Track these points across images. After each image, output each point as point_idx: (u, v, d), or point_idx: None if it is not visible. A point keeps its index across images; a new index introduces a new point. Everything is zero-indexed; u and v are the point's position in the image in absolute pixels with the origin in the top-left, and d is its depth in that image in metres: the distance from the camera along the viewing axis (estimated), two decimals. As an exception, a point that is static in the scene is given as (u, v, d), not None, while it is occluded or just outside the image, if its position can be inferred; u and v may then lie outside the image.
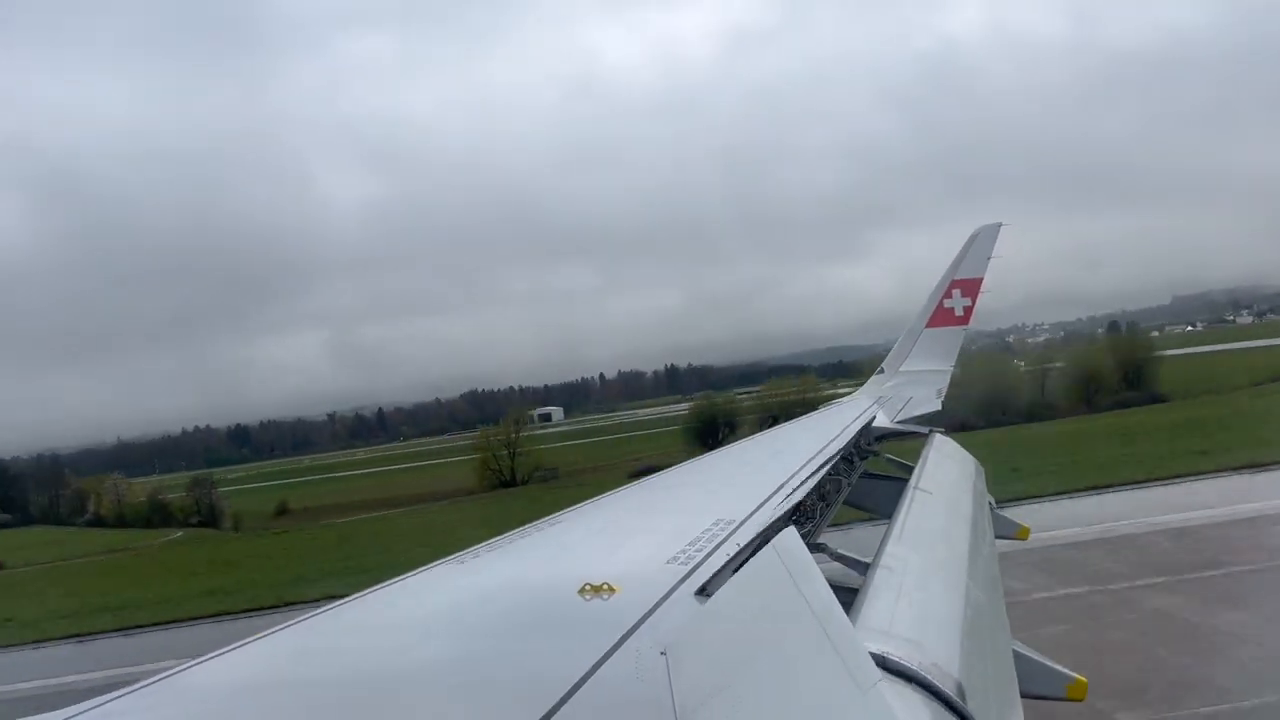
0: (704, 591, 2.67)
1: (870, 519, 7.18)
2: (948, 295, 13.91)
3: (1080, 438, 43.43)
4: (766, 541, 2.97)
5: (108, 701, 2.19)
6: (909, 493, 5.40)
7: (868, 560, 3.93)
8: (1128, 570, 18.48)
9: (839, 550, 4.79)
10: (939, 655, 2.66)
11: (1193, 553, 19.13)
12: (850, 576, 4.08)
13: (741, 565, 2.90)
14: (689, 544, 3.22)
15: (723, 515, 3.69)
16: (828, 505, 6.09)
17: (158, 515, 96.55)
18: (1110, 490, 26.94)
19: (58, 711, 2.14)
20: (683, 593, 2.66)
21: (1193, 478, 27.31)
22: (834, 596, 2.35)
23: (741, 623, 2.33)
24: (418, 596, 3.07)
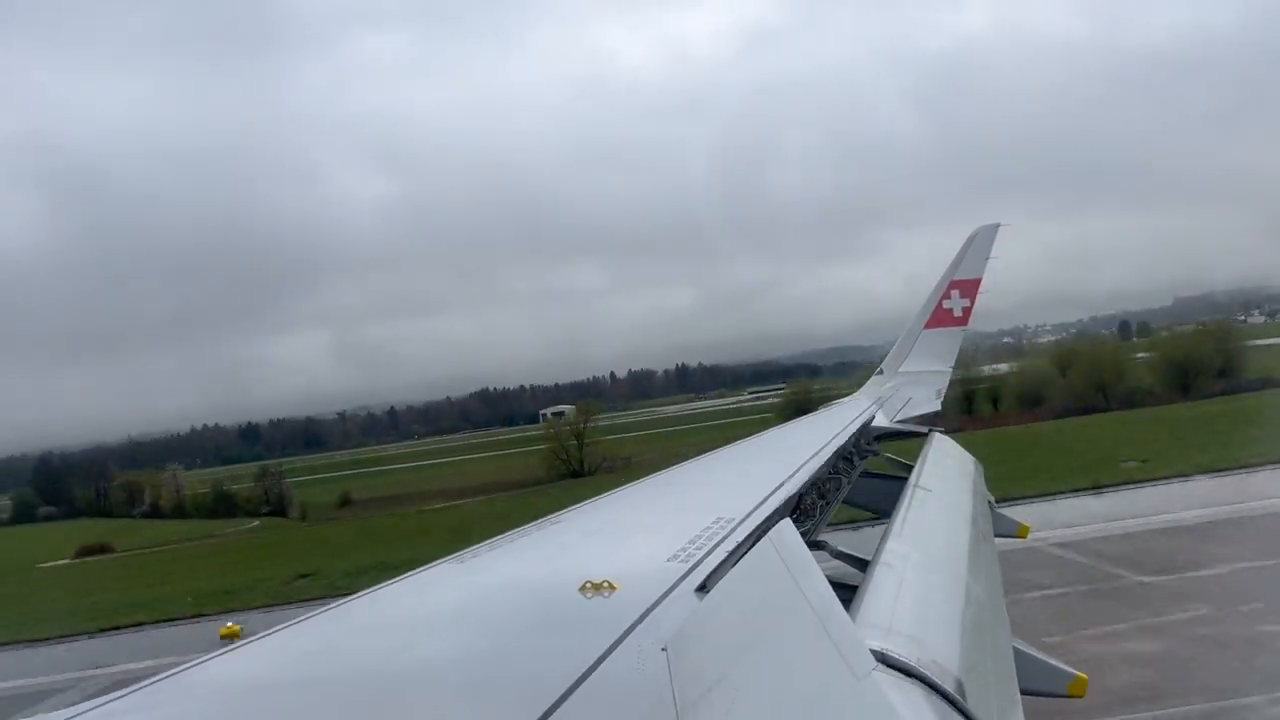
0: (704, 588, 2.69)
1: (870, 518, 7.19)
2: (946, 296, 13.90)
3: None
4: (763, 535, 2.99)
5: (109, 701, 2.20)
6: (909, 491, 5.41)
7: (867, 557, 3.94)
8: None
9: (839, 548, 4.79)
10: (939, 652, 2.67)
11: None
12: (850, 574, 4.09)
13: (740, 560, 2.92)
14: (689, 542, 3.24)
15: (723, 514, 3.70)
16: (827, 504, 6.09)
17: (222, 506, 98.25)
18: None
19: (59, 712, 2.14)
20: (683, 590, 2.67)
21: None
22: (829, 586, 2.37)
23: (740, 615, 2.35)
24: (419, 595, 3.08)
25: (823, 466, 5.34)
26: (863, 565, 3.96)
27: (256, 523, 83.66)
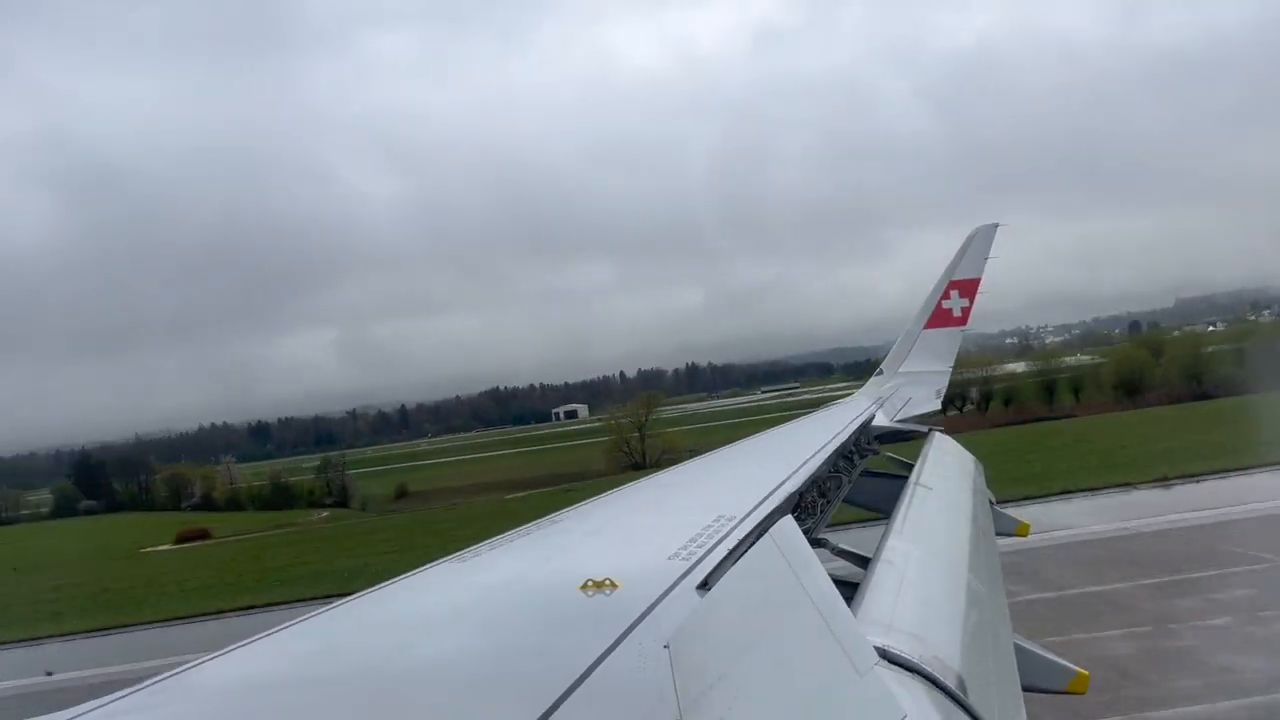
0: (705, 586, 2.69)
1: (871, 517, 7.19)
2: (945, 296, 13.89)
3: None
4: (765, 533, 2.98)
5: (111, 701, 2.19)
6: (909, 489, 5.41)
7: (869, 555, 3.94)
8: None
9: (840, 545, 4.79)
10: (941, 648, 2.67)
11: None
12: (852, 571, 4.09)
13: (741, 557, 2.91)
14: (690, 540, 3.23)
15: (723, 512, 3.69)
16: (828, 502, 6.09)
17: (280, 497, 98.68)
18: None
19: (60, 712, 2.13)
20: (684, 587, 2.66)
21: None
22: (830, 580, 2.38)
23: (741, 612, 2.35)
24: (420, 594, 3.07)
25: (823, 465, 5.34)
26: (864, 563, 3.96)
27: (325, 513, 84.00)
